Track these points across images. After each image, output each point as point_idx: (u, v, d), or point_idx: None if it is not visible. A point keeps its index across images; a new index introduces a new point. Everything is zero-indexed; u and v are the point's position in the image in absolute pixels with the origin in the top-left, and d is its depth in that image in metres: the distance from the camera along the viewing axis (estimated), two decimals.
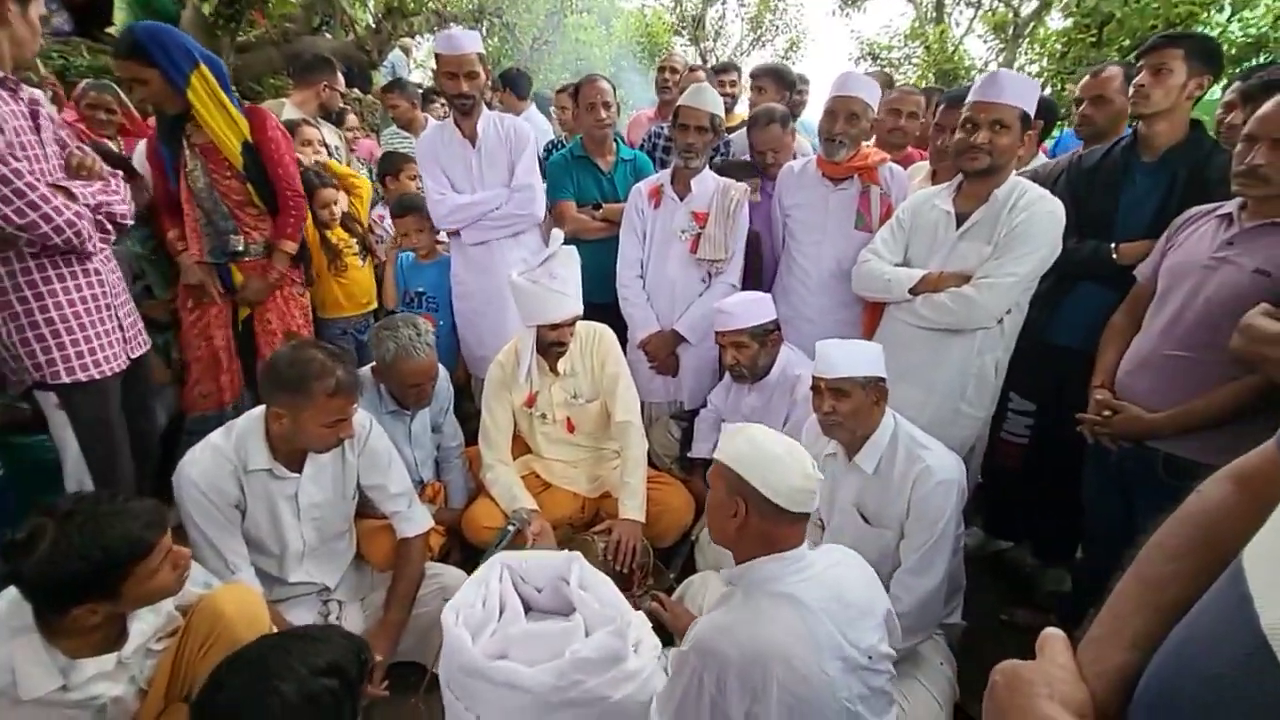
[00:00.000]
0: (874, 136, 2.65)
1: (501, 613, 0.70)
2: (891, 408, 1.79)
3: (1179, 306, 1.66)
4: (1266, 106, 1.52)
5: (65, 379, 1.82)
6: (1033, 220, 1.89)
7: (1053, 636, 0.59)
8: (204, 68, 2.12)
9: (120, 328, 1.98)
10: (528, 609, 0.71)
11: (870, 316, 2.34)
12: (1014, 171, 2.01)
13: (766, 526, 1.18)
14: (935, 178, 2.59)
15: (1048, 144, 3.31)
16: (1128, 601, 0.58)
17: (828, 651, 1.09)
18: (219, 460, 1.68)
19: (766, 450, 1.19)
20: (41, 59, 3.54)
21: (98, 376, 1.88)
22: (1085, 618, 0.65)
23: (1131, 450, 1.75)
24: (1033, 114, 1.93)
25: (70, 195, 1.77)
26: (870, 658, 1.15)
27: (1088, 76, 2.46)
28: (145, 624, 1.40)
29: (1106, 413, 1.77)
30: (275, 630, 1.51)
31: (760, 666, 1.05)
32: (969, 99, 1.97)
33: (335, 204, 2.81)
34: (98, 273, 1.89)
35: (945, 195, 2.08)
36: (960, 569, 1.80)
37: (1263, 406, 1.49)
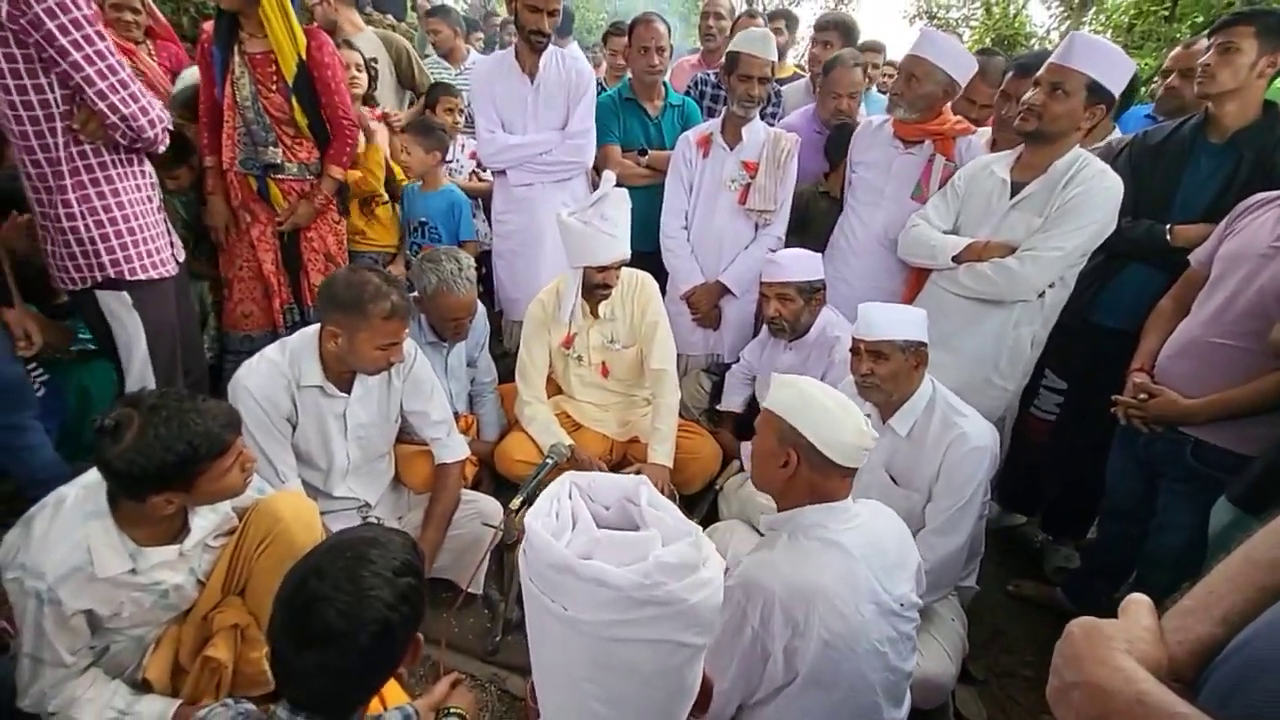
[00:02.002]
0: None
1: (575, 524, 0.75)
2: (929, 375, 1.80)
3: (1230, 294, 1.65)
4: None
5: (141, 275, 1.89)
6: (1088, 195, 1.86)
7: (1138, 600, 0.59)
8: None
9: (168, 230, 2.04)
10: (596, 525, 0.76)
11: (911, 288, 2.32)
12: (1080, 144, 1.96)
13: (816, 478, 1.21)
14: (994, 146, 2.53)
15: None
16: (1229, 579, 0.57)
17: (865, 595, 1.14)
18: (274, 374, 1.74)
19: (821, 403, 1.21)
20: None
21: (166, 274, 1.96)
22: (1091, 594, 0.66)
23: (1161, 434, 1.77)
24: (1113, 87, 1.82)
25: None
26: (901, 604, 1.20)
27: (1179, 48, 2.36)
28: (205, 521, 1.49)
29: (1143, 396, 1.78)
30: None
31: (804, 602, 1.10)
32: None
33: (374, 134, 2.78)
34: (150, 175, 1.94)
35: (1004, 163, 2.04)
36: (981, 535, 1.84)
37: None
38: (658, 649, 0.69)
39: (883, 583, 1.18)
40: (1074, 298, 2.07)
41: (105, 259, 1.82)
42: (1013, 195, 2.00)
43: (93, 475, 1.33)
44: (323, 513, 1.92)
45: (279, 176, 2.38)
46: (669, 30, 2.77)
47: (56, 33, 1.57)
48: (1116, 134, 2.46)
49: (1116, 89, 1.83)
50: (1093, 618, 0.57)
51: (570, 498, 0.82)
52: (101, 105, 1.67)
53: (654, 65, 2.71)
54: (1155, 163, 2.05)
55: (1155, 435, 1.78)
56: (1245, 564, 0.56)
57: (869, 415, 1.82)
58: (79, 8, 1.59)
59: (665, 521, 0.78)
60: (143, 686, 1.43)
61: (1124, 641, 0.53)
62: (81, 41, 1.60)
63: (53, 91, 1.66)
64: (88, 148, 1.74)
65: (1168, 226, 1.97)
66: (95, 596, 1.30)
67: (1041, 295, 1.99)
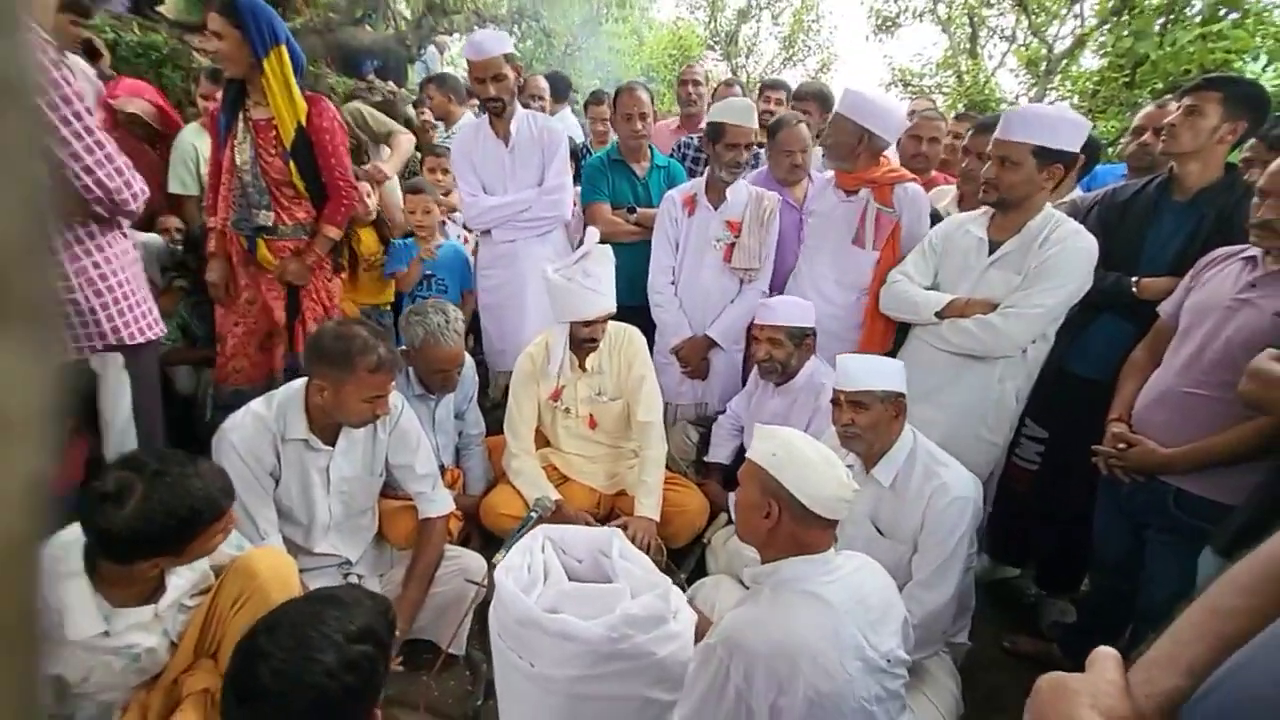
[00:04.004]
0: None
1: (546, 578, 0.74)
2: (910, 425, 1.82)
3: (1199, 344, 1.69)
4: (1277, 163, 1.56)
5: (139, 338, 1.91)
6: (1065, 254, 1.93)
7: (1104, 653, 0.59)
8: (283, 49, 2.23)
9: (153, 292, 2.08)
10: (569, 578, 0.75)
11: (869, 335, 2.39)
12: (1048, 204, 2.04)
13: (798, 529, 1.21)
14: (962, 201, 2.63)
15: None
16: (1191, 629, 0.57)
17: (850, 651, 1.12)
18: (259, 427, 1.74)
19: (803, 455, 1.22)
20: (95, 31, 3.64)
21: (157, 334, 1.99)
22: (1087, 650, 0.65)
23: (1144, 484, 1.78)
24: (1063, 146, 1.91)
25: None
26: (889, 661, 1.18)
27: (1151, 106, 2.49)
28: (182, 580, 1.45)
29: (1122, 445, 1.80)
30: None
31: (788, 660, 1.08)
32: None
33: (369, 196, 2.89)
34: (131, 237, 1.98)
35: (980, 222, 2.12)
36: (970, 589, 1.83)
37: (1274, 447, 1.52)
38: (625, 706, 0.68)
39: (868, 637, 1.16)
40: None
41: (105, 326, 1.85)
42: (990, 253, 2.07)
43: (69, 534, 1.30)
44: (302, 570, 1.88)
45: (270, 237, 2.43)
46: (651, 97, 2.91)
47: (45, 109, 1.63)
48: (1078, 193, 2.57)
49: (1069, 146, 1.92)
50: (1060, 673, 0.57)
51: (543, 551, 0.82)
52: (87, 180, 1.70)
53: (638, 130, 2.84)
54: (1123, 219, 2.14)
55: (1137, 485, 1.79)
56: (1207, 614, 0.57)
57: (852, 466, 1.84)
58: (67, 83, 1.64)
59: (634, 574, 0.78)
60: None
61: (1089, 696, 0.53)
62: (70, 117, 1.64)
63: None
64: (76, 222, 1.79)
65: (1134, 279, 2.04)
66: (64, 660, 1.26)
67: (1024, 351, 2.04)
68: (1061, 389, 2.18)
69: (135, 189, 1.81)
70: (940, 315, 2.10)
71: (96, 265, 1.82)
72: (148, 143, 3.01)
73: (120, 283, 1.86)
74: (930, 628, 1.67)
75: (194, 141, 2.95)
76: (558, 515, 2.12)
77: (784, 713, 1.09)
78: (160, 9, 4.72)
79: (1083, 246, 1.95)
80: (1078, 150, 1.94)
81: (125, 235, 1.95)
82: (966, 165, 2.58)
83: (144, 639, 1.38)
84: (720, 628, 1.15)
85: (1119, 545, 1.94)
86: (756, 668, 1.08)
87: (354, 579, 1.96)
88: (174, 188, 2.96)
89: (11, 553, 0.26)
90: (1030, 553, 2.57)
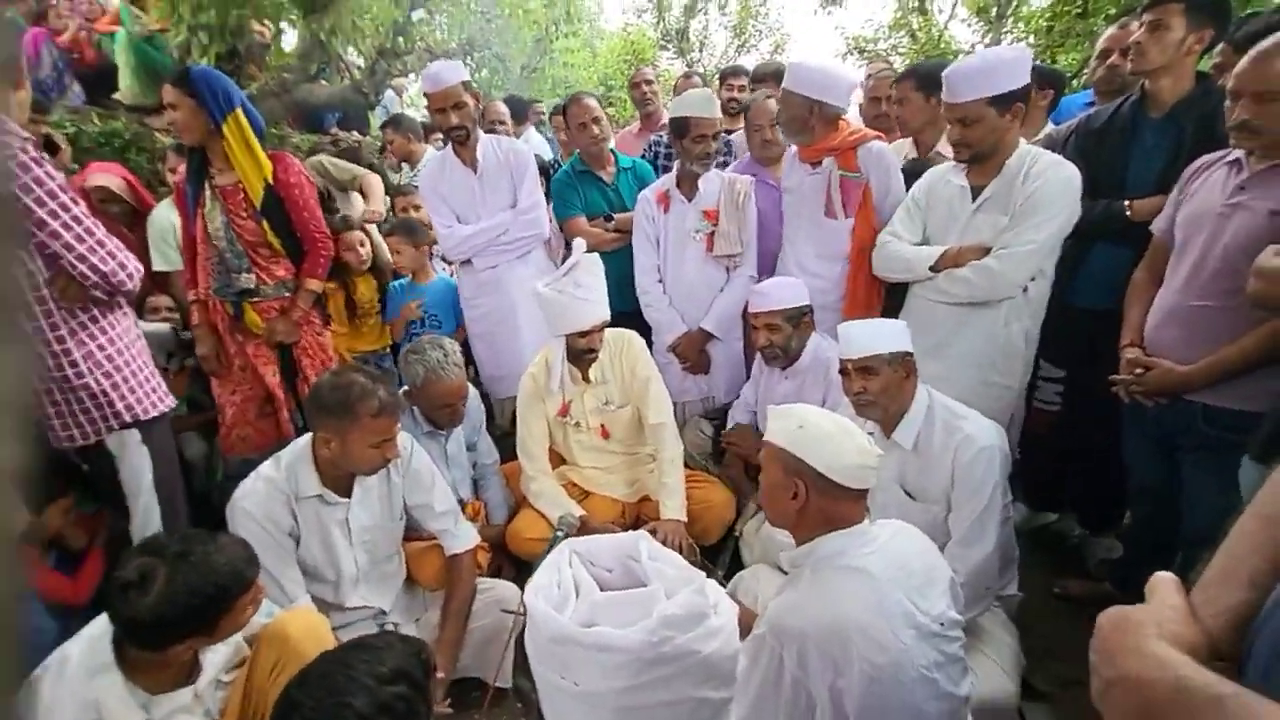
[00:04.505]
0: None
1: (578, 592, 0.72)
2: (924, 383, 1.80)
3: (1198, 256, 1.67)
4: (1242, 62, 1.54)
5: (151, 412, 1.93)
6: (1048, 186, 1.91)
7: (1162, 579, 0.56)
8: (240, 112, 2.24)
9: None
10: (601, 588, 0.73)
11: (852, 300, 2.37)
12: (1022, 141, 2.02)
13: (827, 504, 1.19)
14: (919, 148, 2.63)
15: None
16: (1246, 539, 0.54)
17: (901, 620, 1.09)
18: (271, 490, 1.72)
19: (819, 428, 1.20)
20: (55, 127, 3.66)
21: (169, 406, 2.01)
22: (1140, 583, 0.62)
23: (1169, 405, 1.74)
24: (1011, 86, 1.88)
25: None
26: (942, 624, 1.15)
27: (1114, 28, 2.47)
28: (217, 656, 1.43)
29: (1139, 370, 1.77)
30: None
31: (839, 639, 1.05)
32: None
33: (362, 245, 2.88)
34: (129, 314, 1.99)
35: (959, 170, 2.10)
36: (1011, 539, 1.79)
37: None
38: (678, 710, 0.66)
39: (917, 604, 1.13)
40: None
41: (119, 405, 1.86)
42: (974, 199, 2.05)
43: (95, 628, 1.29)
44: (337, 627, 1.86)
45: (255, 300, 2.42)
46: (599, 102, 2.92)
47: (34, 206, 1.64)
48: (1050, 127, 2.55)
49: (1017, 82, 1.89)
50: (1121, 606, 0.54)
51: (570, 565, 0.80)
52: (83, 267, 1.73)
53: (595, 136, 2.83)
54: (1101, 144, 2.12)
55: (1163, 408, 1.76)
56: (1259, 522, 0.54)
57: (872, 434, 1.81)
58: (51, 179, 1.67)
59: (667, 573, 0.75)
60: None
61: (1154, 626, 0.50)
62: (58, 210, 1.67)
63: (34, 261, 1.72)
64: (77, 307, 1.81)
65: (1125, 202, 2.01)
66: None
67: (1025, 290, 2.01)
68: (1069, 324, 2.15)
69: (130, 269, 1.84)
70: (934, 268, 2.07)
71: (102, 348, 1.84)
72: (124, 224, 3.00)
73: (127, 361, 1.89)
74: (977, 584, 1.64)
75: (169, 216, 2.94)
76: (584, 530, 2.09)
77: (845, 694, 1.06)
78: (116, 96, 4.74)
79: (1065, 176, 1.92)
80: (1027, 80, 1.92)
81: (126, 314, 1.97)
82: (898, 115, 2.60)
83: None
84: (766, 616, 1.12)
85: (1154, 471, 1.91)
86: (809, 651, 1.06)
87: (390, 628, 1.93)
88: (158, 265, 2.94)
89: None
90: (1067, 495, 2.53)
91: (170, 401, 2.04)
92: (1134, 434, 1.94)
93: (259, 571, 1.34)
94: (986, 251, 1.99)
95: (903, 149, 2.71)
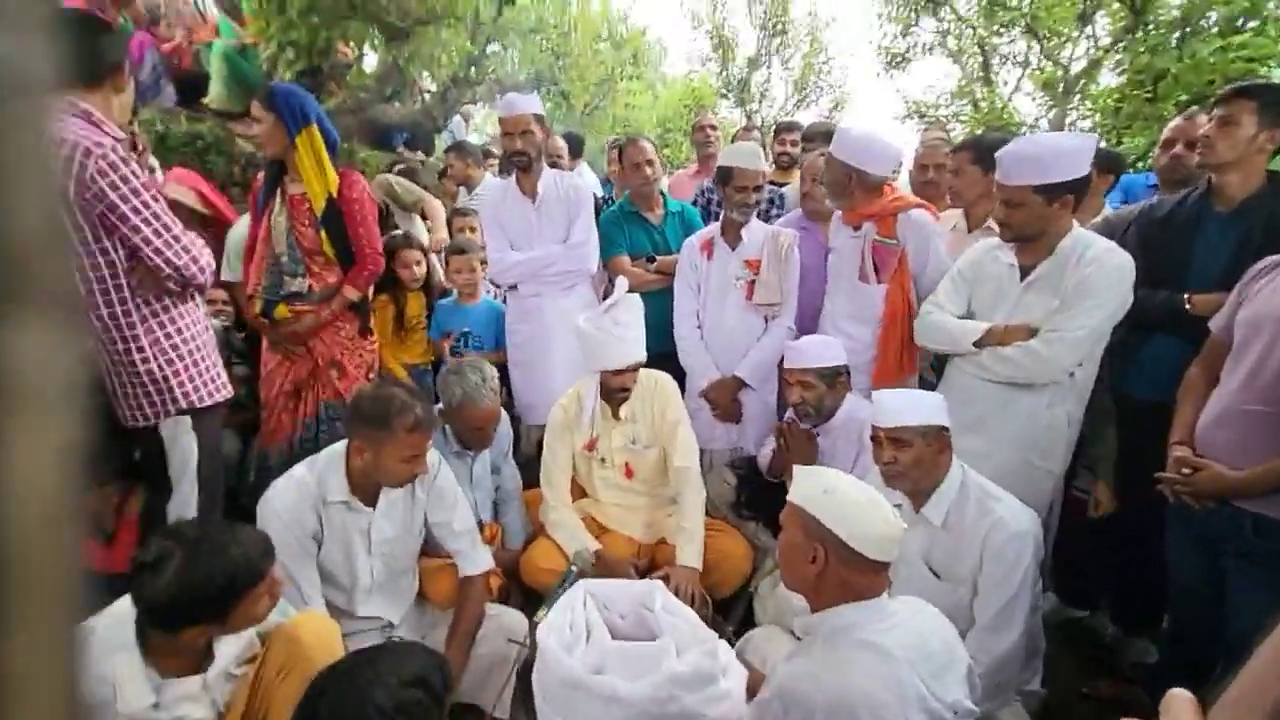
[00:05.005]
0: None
1: (589, 636, 0.73)
2: (960, 460, 1.76)
3: (1257, 360, 1.61)
4: None
5: (208, 401, 2.02)
6: (1102, 272, 1.87)
7: (1178, 697, 0.55)
8: (314, 128, 2.39)
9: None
10: (612, 634, 0.73)
11: (882, 367, 2.37)
12: (1075, 224, 2.00)
13: (847, 574, 1.17)
14: (970, 219, 2.63)
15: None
16: (1272, 664, 0.53)
17: (914, 703, 1.06)
18: (302, 492, 1.77)
19: (846, 495, 1.19)
20: (145, 125, 3.93)
21: (228, 395, 2.10)
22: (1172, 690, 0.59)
23: (1217, 510, 1.67)
24: (1066, 176, 1.85)
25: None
26: (955, 713, 1.11)
27: (1180, 119, 2.45)
28: (229, 648, 1.45)
29: (1187, 471, 1.70)
30: None
31: (848, 713, 1.03)
32: None
33: (418, 264, 3.00)
34: (200, 306, 2.10)
35: (1007, 248, 2.09)
36: (1039, 630, 1.72)
37: None
38: None
39: (931, 688, 1.09)
40: (1103, 372, 2.04)
41: (178, 393, 1.95)
42: (1022, 278, 2.03)
43: (120, 606, 1.33)
44: (345, 634, 1.86)
45: (297, 304, 2.51)
46: (655, 146, 3.01)
47: (119, 202, 1.76)
48: (1108, 209, 2.52)
49: (1070, 174, 1.85)
50: None
51: (585, 607, 0.81)
52: (158, 260, 1.84)
53: (646, 176, 2.91)
54: (1164, 234, 2.08)
55: (1211, 512, 1.68)
56: None
57: (900, 506, 1.77)
58: (136, 176, 1.79)
59: (680, 629, 0.76)
60: None
61: None
62: (140, 206, 1.80)
63: (117, 252, 1.84)
64: (150, 295, 1.92)
65: (1185, 296, 1.97)
66: None
67: (1071, 375, 1.97)
68: (1120, 414, 2.09)
69: (202, 263, 1.95)
70: (978, 344, 2.04)
71: (169, 335, 1.94)
72: (200, 226, 3.19)
73: (191, 350, 1.98)
74: (999, 675, 1.57)
75: (244, 232, 3.11)
76: (600, 564, 2.08)
77: None
78: (204, 101, 5.08)
79: (1118, 263, 1.89)
80: (1084, 172, 1.89)
81: (197, 305, 2.09)
82: (952, 186, 2.60)
83: (192, 710, 1.37)
84: (773, 681, 1.10)
85: (1196, 574, 1.81)
86: None
87: (396, 640, 1.94)
88: (225, 275, 3.10)
89: (49, 514, 0.28)
90: (1102, 590, 2.42)
91: (227, 392, 2.12)
92: (1178, 533, 1.85)
93: (273, 565, 1.36)
94: (1034, 332, 1.96)
95: (952, 220, 2.71)
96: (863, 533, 1.15)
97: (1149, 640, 2.27)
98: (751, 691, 1.23)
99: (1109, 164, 2.72)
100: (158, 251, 1.84)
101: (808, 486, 1.22)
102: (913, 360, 2.36)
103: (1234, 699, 0.53)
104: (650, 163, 2.90)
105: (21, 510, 0.27)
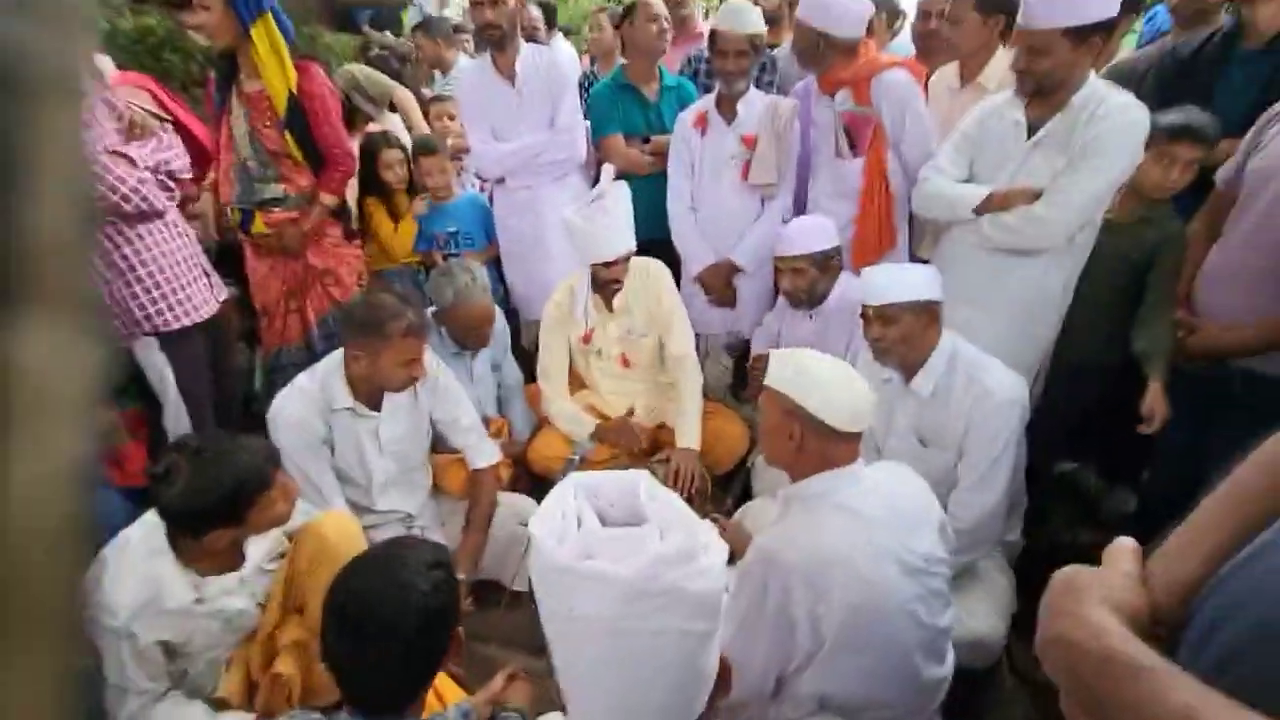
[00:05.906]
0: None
1: (579, 524, 0.78)
2: (952, 330, 1.76)
3: (1264, 213, 1.55)
4: None
5: (174, 325, 2.02)
6: (1114, 130, 1.75)
7: (1121, 545, 0.56)
8: (270, 17, 2.19)
9: (206, 274, 2.16)
10: (603, 522, 0.78)
11: (860, 245, 2.30)
12: (1092, 73, 1.86)
13: (822, 446, 1.23)
14: (964, 73, 2.43)
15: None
16: (1213, 514, 0.53)
17: (886, 556, 1.15)
18: (307, 401, 1.82)
19: (816, 374, 1.24)
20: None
21: (199, 319, 2.09)
22: (1150, 541, 0.61)
23: (1206, 369, 1.69)
24: (1097, 18, 1.69)
25: (131, 161, 1.89)
26: (926, 561, 1.21)
27: None
28: (259, 548, 1.58)
29: (1181, 333, 1.70)
30: None
31: (821, 570, 1.12)
32: None
33: (400, 164, 2.84)
34: (175, 224, 2.05)
35: (1016, 103, 1.94)
36: (1022, 488, 1.80)
37: None
38: (665, 638, 0.72)
39: (904, 542, 1.18)
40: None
41: (138, 315, 1.97)
42: (1029, 135, 1.91)
43: (151, 515, 1.42)
44: (368, 527, 2.00)
45: (273, 211, 2.40)
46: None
47: None
48: (1125, 52, 2.32)
49: (1102, 13, 1.70)
50: (1074, 567, 0.54)
51: (575, 498, 0.85)
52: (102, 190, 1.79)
53: (664, 30, 2.69)
54: (1185, 79, 1.93)
55: (1201, 370, 1.70)
56: (1230, 497, 0.53)
57: (890, 380, 1.81)
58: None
59: (664, 513, 0.80)
60: (220, 705, 1.53)
61: (1100, 589, 0.50)
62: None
63: None
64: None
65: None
66: (166, 627, 1.40)
67: (1071, 239, 1.91)
68: None
69: (144, 193, 1.88)
70: (978, 211, 1.97)
71: (125, 257, 1.92)
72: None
73: (152, 273, 1.96)
74: (980, 530, 1.67)
75: None
76: (605, 433, 2.18)
77: (823, 619, 1.13)
78: None
79: (1134, 120, 1.76)
80: (1115, 11, 1.72)
81: (165, 224, 2.02)
82: (949, 36, 2.40)
83: (233, 602, 1.51)
84: (754, 546, 1.19)
85: (1184, 430, 1.86)
86: (793, 580, 1.13)
87: (417, 531, 2.07)
88: None
89: (53, 533, 0.27)
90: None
91: (198, 315, 2.10)
92: (1168, 391, 1.88)
93: (278, 468, 1.45)
94: (1037, 196, 1.87)
95: (946, 76, 2.52)
96: (835, 408, 1.21)
97: (1130, 491, 2.38)
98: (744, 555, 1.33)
99: (1128, 4, 2.47)
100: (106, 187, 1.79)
101: (782, 370, 1.27)
102: (892, 236, 2.29)
103: (1172, 546, 0.54)
104: (668, 19, 2.68)
105: (21, 536, 0.26)
